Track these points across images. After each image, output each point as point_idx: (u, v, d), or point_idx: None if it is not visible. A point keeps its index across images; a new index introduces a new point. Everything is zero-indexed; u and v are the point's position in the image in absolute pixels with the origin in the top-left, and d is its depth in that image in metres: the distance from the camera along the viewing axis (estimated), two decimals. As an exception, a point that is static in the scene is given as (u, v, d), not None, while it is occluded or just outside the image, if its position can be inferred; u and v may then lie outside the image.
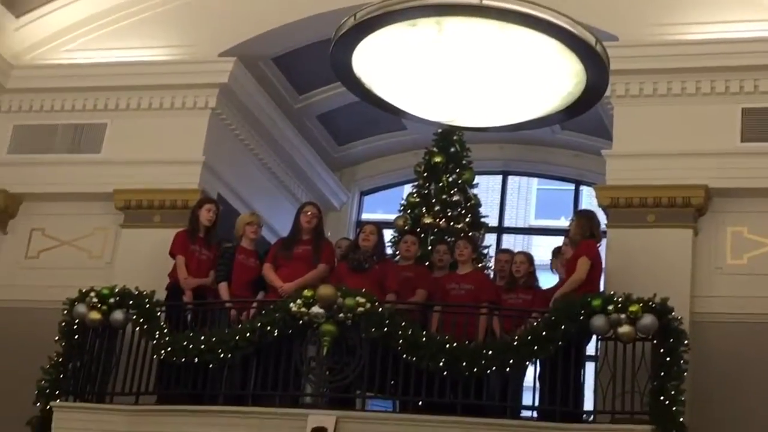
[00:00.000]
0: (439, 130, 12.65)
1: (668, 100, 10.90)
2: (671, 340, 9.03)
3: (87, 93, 12.29)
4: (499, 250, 11.66)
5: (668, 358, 8.97)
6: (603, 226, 10.52)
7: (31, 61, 12.57)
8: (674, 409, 8.82)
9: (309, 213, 10.39)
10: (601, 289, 9.86)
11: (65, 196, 12.04)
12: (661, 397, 8.84)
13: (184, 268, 10.32)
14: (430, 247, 11.58)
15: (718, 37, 10.73)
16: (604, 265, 10.07)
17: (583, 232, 9.94)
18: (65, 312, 10.20)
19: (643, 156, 10.72)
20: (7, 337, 11.44)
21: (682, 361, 9.01)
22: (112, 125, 12.20)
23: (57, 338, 10.19)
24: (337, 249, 10.65)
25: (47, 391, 10.00)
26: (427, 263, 11.11)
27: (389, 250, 11.30)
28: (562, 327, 9.02)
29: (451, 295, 10.06)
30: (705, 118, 10.71)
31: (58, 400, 9.93)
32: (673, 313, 9.10)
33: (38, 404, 10.01)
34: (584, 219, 10.13)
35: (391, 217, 12.89)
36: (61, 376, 10.04)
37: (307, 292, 9.43)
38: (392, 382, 9.40)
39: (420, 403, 9.39)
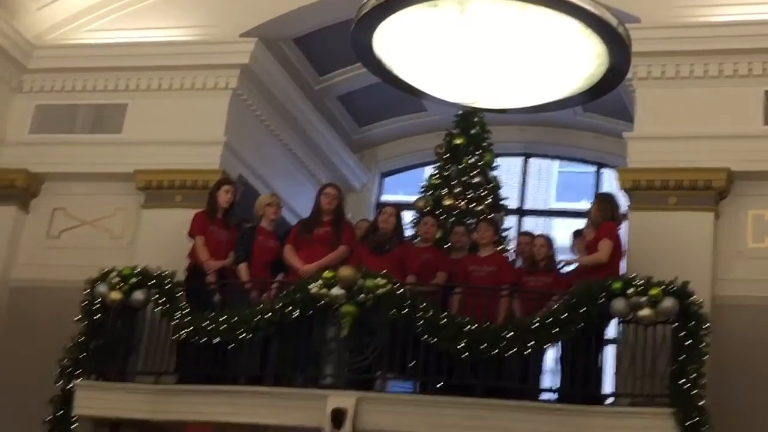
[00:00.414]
0: (460, 112, 12.63)
1: (690, 83, 10.85)
2: (692, 323, 9.00)
3: (108, 73, 12.32)
4: (520, 233, 11.65)
5: (688, 342, 8.95)
6: (624, 209, 10.50)
7: (52, 41, 12.59)
8: (694, 392, 8.80)
9: (330, 194, 10.38)
10: (622, 272, 9.84)
11: (87, 176, 12.08)
12: (681, 380, 8.82)
13: (204, 249, 10.34)
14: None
15: (740, 19, 10.67)
16: (625, 248, 10.04)
17: (603, 215, 9.93)
18: (87, 291, 10.25)
19: (665, 138, 10.67)
20: (29, 316, 11.51)
21: (702, 345, 8.99)
22: (133, 105, 12.24)
23: (78, 317, 10.24)
24: (357, 231, 10.64)
25: (69, 369, 10.07)
26: (447, 245, 11.09)
27: (409, 232, 11.29)
28: (583, 309, 9.01)
29: (472, 276, 10.05)
30: (727, 101, 10.66)
31: (79, 379, 9.99)
32: (693, 297, 9.07)
33: (60, 383, 10.08)
34: (604, 202, 10.11)
35: (412, 198, 12.89)
36: (83, 355, 10.10)
37: (327, 274, 9.44)
38: (412, 364, 9.39)
39: (440, 384, 9.40)
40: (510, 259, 11.02)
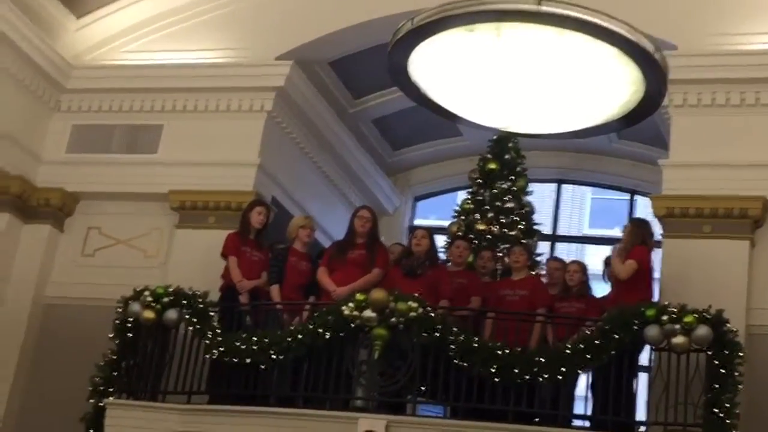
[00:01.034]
0: (495, 137, 12.62)
1: (726, 110, 10.80)
2: (726, 351, 8.94)
3: (145, 94, 12.40)
4: (550, 259, 11.60)
5: (723, 370, 8.89)
6: (658, 236, 10.45)
7: (90, 61, 12.70)
8: (728, 421, 8.74)
9: (364, 217, 10.38)
10: (655, 298, 9.78)
11: (122, 195, 12.15)
12: (715, 409, 8.76)
13: (237, 269, 10.36)
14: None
15: (777, 48, 10.63)
16: (659, 275, 10.00)
17: (634, 240, 9.88)
18: (120, 310, 10.29)
19: (700, 166, 10.62)
20: (62, 333, 11.59)
21: (736, 373, 8.92)
22: (168, 126, 12.31)
23: (111, 336, 10.27)
24: (391, 254, 10.62)
25: (101, 388, 10.07)
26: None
27: (441, 256, 11.27)
28: (616, 336, 8.97)
29: (505, 300, 10.03)
30: (763, 129, 10.59)
31: (111, 398, 10.00)
32: (728, 325, 9.00)
33: (92, 401, 10.09)
34: (637, 226, 10.08)
35: (444, 223, 12.88)
36: (115, 373, 10.13)
37: (359, 296, 9.42)
38: (443, 388, 9.36)
39: (471, 409, 9.35)
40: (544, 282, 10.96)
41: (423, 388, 9.43)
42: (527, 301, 9.96)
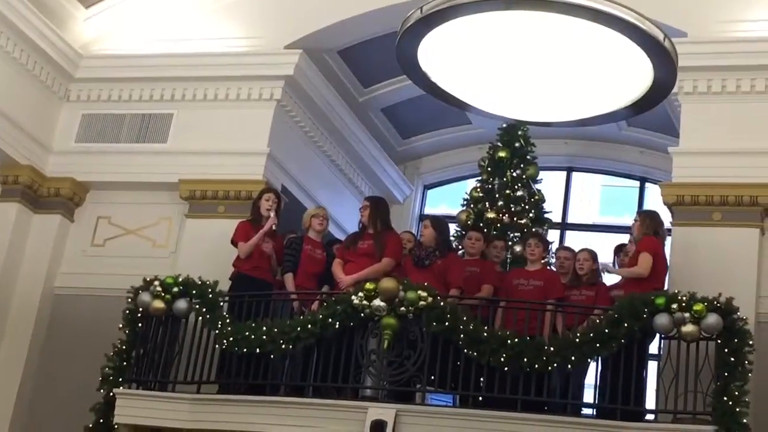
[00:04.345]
0: (504, 125, 12.58)
1: (736, 98, 10.76)
2: (736, 340, 8.91)
3: (154, 83, 12.41)
4: (560, 248, 11.57)
5: (732, 358, 8.86)
6: (668, 225, 10.42)
7: (99, 51, 12.70)
8: (737, 409, 8.69)
9: (361, 207, 10.50)
10: (666, 287, 9.76)
11: (131, 185, 12.18)
12: (725, 398, 8.72)
13: (249, 248, 10.33)
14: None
15: (787, 34, 10.58)
16: (668, 263, 9.96)
17: (646, 232, 9.85)
18: (129, 300, 10.30)
19: (710, 154, 10.60)
20: (72, 323, 11.65)
21: (746, 362, 8.88)
22: (178, 115, 12.32)
23: (121, 326, 10.29)
24: (408, 243, 10.58)
25: (111, 378, 10.10)
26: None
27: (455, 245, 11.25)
28: (625, 325, 8.95)
29: (518, 290, 10.00)
30: (774, 116, 10.55)
31: (121, 388, 10.03)
32: (738, 313, 8.97)
33: (102, 391, 10.12)
34: (648, 218, 10.04)
35: (454, 211, 12.85)
36: (125, 363, 10.15)
37: (368, 285, 9.42)
38: (453, 377, 9.35)
39: (480, 398, 9.36)
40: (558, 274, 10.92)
41: (432, 378, 9.42)
42: (541, 291, 9.91)
